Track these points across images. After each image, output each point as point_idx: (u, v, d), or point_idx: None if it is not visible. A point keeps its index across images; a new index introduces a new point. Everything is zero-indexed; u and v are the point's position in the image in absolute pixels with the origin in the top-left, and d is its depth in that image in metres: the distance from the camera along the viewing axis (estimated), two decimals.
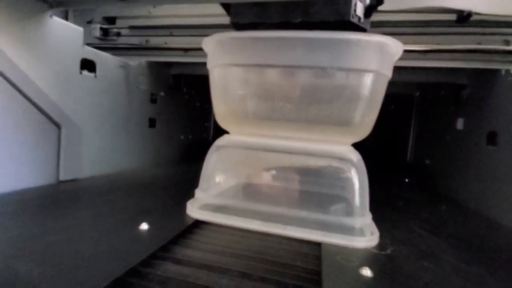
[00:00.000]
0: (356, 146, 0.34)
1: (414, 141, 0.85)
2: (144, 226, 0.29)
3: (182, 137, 0.83)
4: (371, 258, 0.26)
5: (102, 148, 0.53)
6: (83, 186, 0.44)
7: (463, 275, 0.25)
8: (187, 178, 0.57)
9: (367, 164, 0.32)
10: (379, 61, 0.30)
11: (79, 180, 0.47)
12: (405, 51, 0.51)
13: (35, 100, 0.40)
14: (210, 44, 0.34)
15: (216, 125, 1.04)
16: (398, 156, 0.87)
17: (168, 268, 0.23)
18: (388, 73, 0.32)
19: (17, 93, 0.38)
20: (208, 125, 1.00)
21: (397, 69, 0.55)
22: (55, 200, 0.36)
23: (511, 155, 0.42)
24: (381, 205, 0.45)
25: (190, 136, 0.87)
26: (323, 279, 0.22)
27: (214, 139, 0.37)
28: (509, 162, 0.43)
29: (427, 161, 0.73)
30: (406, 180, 0.73)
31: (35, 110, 0.41)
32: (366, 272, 0.23)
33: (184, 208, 0.35)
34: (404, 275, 0.24)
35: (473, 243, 0.33)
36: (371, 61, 0.30)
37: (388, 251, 0.28)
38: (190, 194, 0.36)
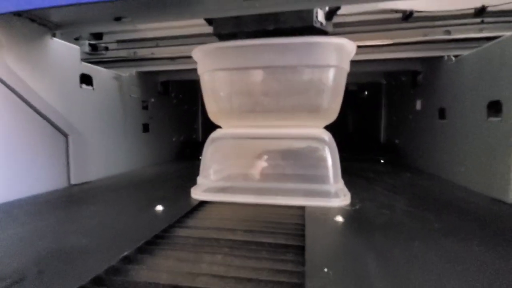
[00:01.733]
0: (336, 131, 0.41)
1: (385, 123, 0.94)
2: (159, 207, 0.35)
3: (173, 138, 0.88)
4: (343, 211, 0.34)
5: (104, 153, 0.58)
6: (94, 187, 0.49)
7: (412, 217, 0.32)
8: (184, 173, 0.63)
9: (346, 147, 0.39)
10: (338, 57, 0.38)
11: (89, 183, 0.52)
12: (366, 46, 0.60)
13: (44, 112, 0.45)
14: (199, 54, 0.40)
15: (205, 126, 1.10)
16: (373, 138, 0.96)
17: (186, 232, 0.29)
18: (346, 67, 0.39)
19: (27, 107, 0.43)
20: (196, 126, 1.06)
21: (364, 62, 0.63)
22: (75, 199, 0.41)
23: (456, 125, 0.51)
24: (355, 177, 0.53)
25: (181, 138, 0.92)
26: (306, 225, 0.29)
27: (203, 139, 0.43)
28: (455, 131, 0.52)
29: (397, 141, 0.82)
30: (381, 161, 0.82)
31: (44, 122, 0.46)
32: (339, 218, 0.30)
33: (189, 193, 0.41)
34: (366, 218, 0.31)
35: (425, 197, 0.41)
36: (332, 58, 0.38)
37: (357, 207, 0.36)
38: (190, 184, 0.42)
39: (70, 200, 0.40)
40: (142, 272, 0.21)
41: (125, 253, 0.23)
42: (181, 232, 0.29)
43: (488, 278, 0.19)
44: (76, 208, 0.36)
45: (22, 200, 0.39)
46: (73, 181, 0.49)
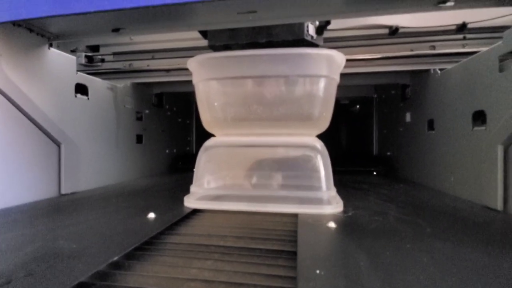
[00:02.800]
0: (329, 144, 0.41)
1: (378, 136, 0.96)
2: (151, 215, 0.34)
3: (167, 151, 0.88)
4: (336, 218, 0.34)
5: (96, 163, 0.57)
6: (85, 196, 0.48)
7: (403, 223, 0.32)
8: (177, 184, 0.63)
9: (339, 159, 0.40)
10: (329, 68, 0.39)
11: (79, 193, 0.51)
12: (356, 59, 0.62)
13: (38, 121, 0.44)
14: (193, 64, 0.41)
15: (198, 139, 1.10)
16: (366, 150, 0.97)
17: (177, 239, 0.29)
18: (337, 78, 0.40)
19: (21, 115, 0.43)
20: (190, 139, 1.06)
21: (355, 75, 0.65)
22: (66, 207, 0.41)
23: (444, 136, 0.53)
24: (348, 188, 0.53)
25: (174, 150, 0.92)
26: (299, 231, 0.29)
27: (197, 151, 0.43)
28: (443, 141, 0.53)
29: (388, 153, 0.83)
30: (374, 173, 0.83)
31: (37, 130, 0.45)
32: (332, 225, 0.31)
33: (181, 202, 0.41)
34: (359, 224, 0.31)
35: (417, 205, 0.41)
36: (322, 69, 0.39)
37: (350, 214, 0.36)
38: (184, 194, 0.42)
39: (59, 208, 0.39)
40: (129, 278, 0.21)
41: (113, 259, 0.23)
42: (171, 238, 0.29)
43: (479, 280, 0.20)
44: (65, 216, 0.35)
45: (9, 209, 0.38)
46: (63, 191, 0.48)
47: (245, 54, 0.38)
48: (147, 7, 0.32)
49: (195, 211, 0.38)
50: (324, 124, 0.41)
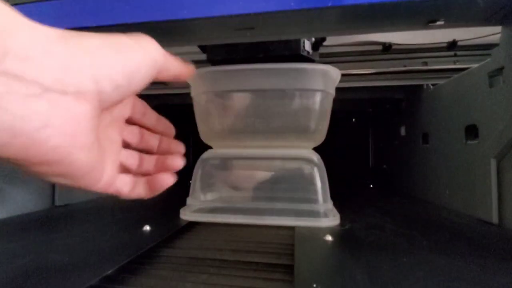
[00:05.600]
0: (325, 157, 0.41)
1: (373, 149, 0.97)
2: (147, 227, 0.34)
3: None
4: (333, 231, 0.34)
5: None
6: (79, 208, 0.47)
7: (400, 236, 0.32)
8: (173, 196, 0.62)
9: (335, 172, 0.40)
10: (324, 82, 0.40)
11: (73, 205, 0.50)
12: (351, 74, 0.63)
13: None
14: (191, 77, 0.42)
15: (195, 152, 1.10)
16: (362, 164, 0.98)
17: (172, 252, 0.28)
18: (332, 92, 0.41)
19: None
20: (187, 151, 1.06)
21: (351, 90, 0.67)
22: (59, 219, 0.40)
23: (438, 150, 0.53)
24: (345, 201, 0.53)
25: None
26: (296, 244, 0.29)
27: (194, 163, 0.43)
28: (438, 155, 0.53)
29: (384, 166, 0.84)
30: (371, 186, 0.83)
31: None
32: (328, 238, 0.30)
33: (177, 215, 0.40)
34: (355, 237, 0.31)
35: (413, 218, 0.41)
36: (318, 83, 0.40)
37: (346, 227, 0.36)
38: (180, 206, 0.41)
39: (52, 220, 0.39)
40: None
41: (107, 273, 0.22)
42: (166, 252, 0.28)
43: None
44: (58, 228, 0.35)
45: (0, 221, 0.38)
46: (57, 203, 0.48)
47: (243, 68, 0.39)
48: (148, 22, 0.33)
49: (191, 224, 0.38)
50: (320, 137, 0.41)
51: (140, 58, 0.18)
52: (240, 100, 0.40)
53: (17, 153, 0.14)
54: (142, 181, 0.23)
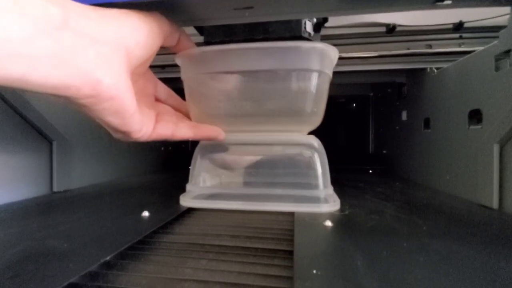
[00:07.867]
0: (325, 142, 0.41)
1: (374, 134, 0.96)
2: (146, 213, 0.34)
3: (162, 148, 0.87)
4: (333, 217, 0.34)
5: (89, 161, 0.56)
6: (78, 194, 0.47)
7: (400, 221, 0.32)
8: (173, 182, 0.62)
9: (335, 157, 0.39)
10: (321, 62, 0.38)
11: (72, 190, 0.50)
12: (353, 57, 0.62)
13: (30, 117, 0.43)
14: (181, 58, 0.40)
15: None
16: (362, 149, 0.97)
17: (171, 237, 0.28)
18: (329, 73, 0.40)
19: (13, 112, 0.42)
20: None
21: (352, 73, 0.65)
22: (57, 205, 0.40)
23: (440, 135, 0.53)
24: (345, 187, 0.53)
25: (169, 147, 0.91)
26: (295, 230, 0.28)
27: (192, 149, 0.43)
28: (439, 140, 0.53)
29: (384, 151, 0.84)
30: (370, 171, 0.83)
31: (28, 126, 0.44)
32: (328, 223, 0.30)
33: (177, 201, 0.40)
34: (355, 223, 0.31)
35: (413, 203, 0.41)
36: (315, 63, 0.38)
37: (346, 212, 0.35)
38: (179, 192, 0.41)
39: (51, 206, 0.39)
40: (121, 278, 0.20)
41: (105, 258, 0.22)
42: (166, 237, 0.28)
43: (476, 278, 0.19)
44: (57, 214, 0.35)
45: None
46: (55, 189, 0.47)
47: (234, 48, 0.37)
48: (143, 2, 0.31)
49: (191, 210, 0.38)
50: (316, 120, 0.40)
51: (152, 22, 0.24)
52: (232, 82, 0.39)
53: (88, 93, 0.19)
54: (185, 124, 0.31)
